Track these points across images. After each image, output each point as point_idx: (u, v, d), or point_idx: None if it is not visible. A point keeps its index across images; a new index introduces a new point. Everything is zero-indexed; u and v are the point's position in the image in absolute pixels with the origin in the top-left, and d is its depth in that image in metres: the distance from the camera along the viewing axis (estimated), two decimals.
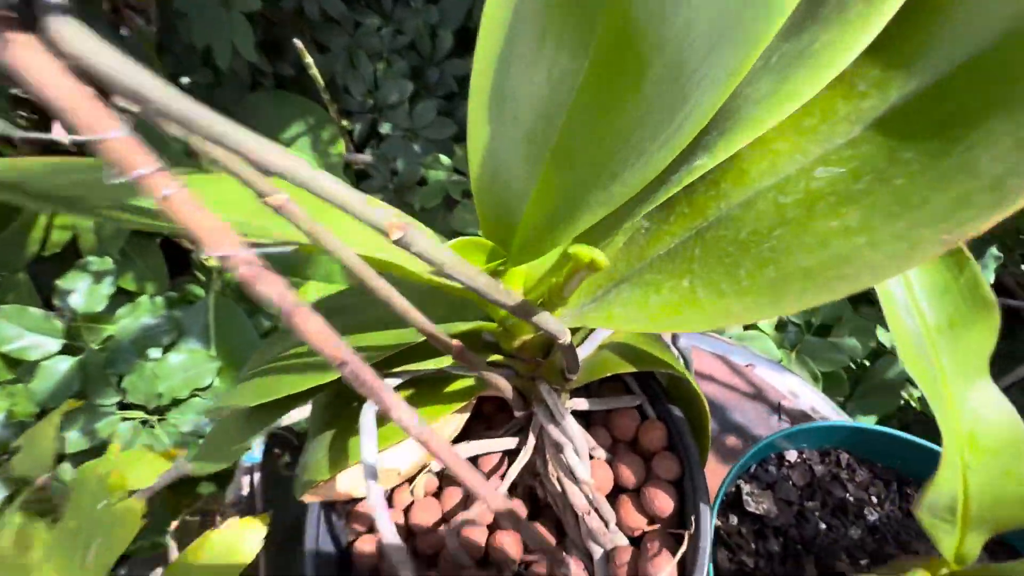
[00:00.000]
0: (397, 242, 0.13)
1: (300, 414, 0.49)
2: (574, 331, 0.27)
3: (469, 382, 0.27)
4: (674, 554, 0.24)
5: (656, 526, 0.26)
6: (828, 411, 0.49)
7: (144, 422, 0.75)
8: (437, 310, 0.23)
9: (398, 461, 0.27)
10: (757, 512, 0.31)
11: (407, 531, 0.29)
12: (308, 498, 0.26)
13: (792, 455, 0.33)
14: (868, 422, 0.64)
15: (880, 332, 0.74)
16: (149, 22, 0.93)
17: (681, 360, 0.33)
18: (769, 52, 0.16)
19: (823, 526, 0.31)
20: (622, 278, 0.21)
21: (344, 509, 0.30)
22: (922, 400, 0.71)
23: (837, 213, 0.16)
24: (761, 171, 0.18)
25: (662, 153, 0.15)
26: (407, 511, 0.29)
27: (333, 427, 0.27)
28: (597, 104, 0.17)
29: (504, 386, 0.24)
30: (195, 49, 0.88)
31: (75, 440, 0.74)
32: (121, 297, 0.85)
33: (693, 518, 0.24)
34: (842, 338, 0.63)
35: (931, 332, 0.18)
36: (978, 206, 0.13)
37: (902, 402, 0.77)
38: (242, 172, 0.13)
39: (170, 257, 0.94)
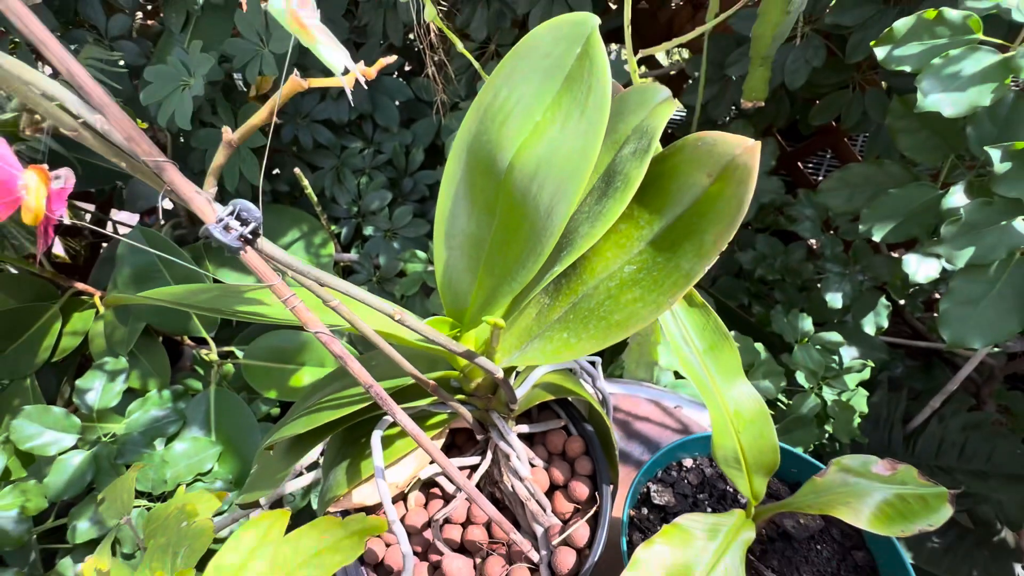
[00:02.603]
0: (398, 322, 0.26)
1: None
2: (513, 372, 0.40)
3: (443, 417, 0.38)
4: (587, 521, 0.35)
5: (578, 507, 0.37)
6: None
7: (150, 508, 0.81)
8: (420, 365, 0.35)
9: (396, 476, 0.37)
10: (661, 503, 0.42)
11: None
12: (330, 509, 0.37)
13: (688, 462, 0.45)
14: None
15: (799, 374, 0.88)
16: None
17: (600, 397, 0.45)
18: (586, 209, 0.31)
19: (709, 510, 0.42)
20: (534, 336, 0.34)
21: None
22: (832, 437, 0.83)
23: (631, 290, 0.30)
24: (598, 269, 0.32)
25: (535, 265, 0.29)
26: (402, 518, 0.39)
27: (346, 458, 0.38)
28: (503, 239, 0.31)
29: (466, 414, 0.36)
30: (204, 174, 1.04)
31: (84, 530, 0.79)
32: (126, 394, 0.92)
33: (598, 495, 0.35)
34: (757, 381, 0.76)
35: (700, 354, 0.31)
36: (680, 285, 0.27)
37: (827, 438, 0.89)
38: (316, 291, 0.25)
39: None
